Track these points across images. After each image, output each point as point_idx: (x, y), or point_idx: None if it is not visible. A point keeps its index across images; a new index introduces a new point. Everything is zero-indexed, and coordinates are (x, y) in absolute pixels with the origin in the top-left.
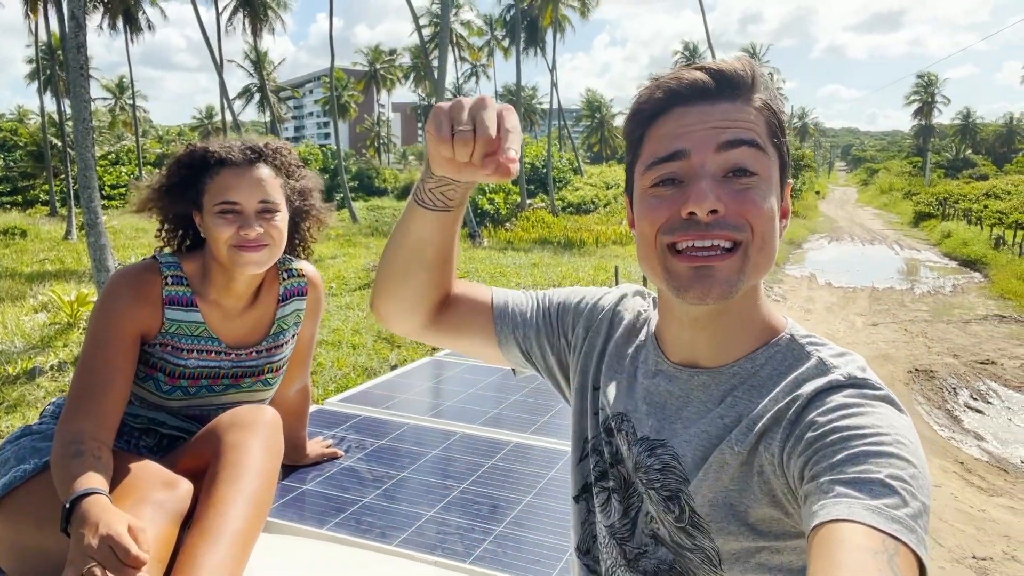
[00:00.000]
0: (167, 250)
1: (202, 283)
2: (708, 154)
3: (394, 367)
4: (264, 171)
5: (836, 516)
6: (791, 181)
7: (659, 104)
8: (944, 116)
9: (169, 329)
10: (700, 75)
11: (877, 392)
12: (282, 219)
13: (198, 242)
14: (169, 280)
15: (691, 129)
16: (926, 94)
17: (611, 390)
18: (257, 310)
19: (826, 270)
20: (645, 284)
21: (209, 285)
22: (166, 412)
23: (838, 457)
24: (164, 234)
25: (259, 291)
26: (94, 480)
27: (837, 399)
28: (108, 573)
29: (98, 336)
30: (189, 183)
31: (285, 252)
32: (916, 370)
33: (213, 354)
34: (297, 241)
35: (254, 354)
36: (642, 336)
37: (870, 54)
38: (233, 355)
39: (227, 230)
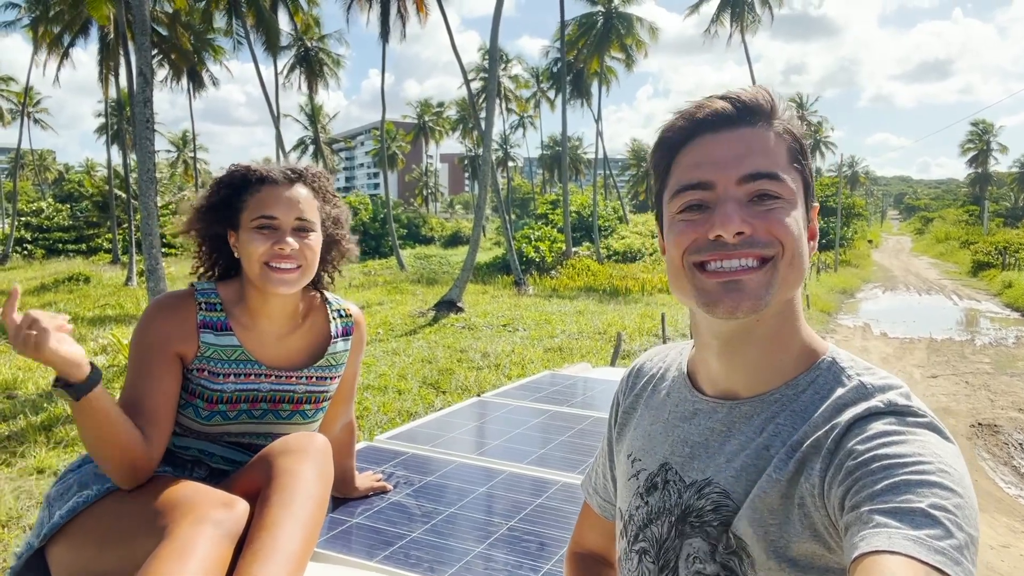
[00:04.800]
0: (197, 271)
1: (237, 307)
2: (730, 186)
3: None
4: (302, 191)
5: (877, 547)
6: (816, 204)
7: (682, 133)
8: (1001, 164)
9: (205, 353)
10: (721, 103)
11: (920, 419)
12: (316, 240)
13: (232, 268)
14: (203, 306)
15: (714, 159)
16: (981, 142)
17: (647, 444)
18: (304, 337)
19: (881, 320)
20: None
21: (245, 309)
22: (212, 442)
23: (879, 487)
24: (200, 256)
25: (305, 319)
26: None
27: (877, 426)
28: None
29: (137, 356)
30: (228, 202)
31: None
32: (979, 424)
33: (252, 376)
34: (324, 269)
35: (294, 378)
36: (673, 373)
37: (919, 103)
38: (273, 376)
39: (262, 245)
